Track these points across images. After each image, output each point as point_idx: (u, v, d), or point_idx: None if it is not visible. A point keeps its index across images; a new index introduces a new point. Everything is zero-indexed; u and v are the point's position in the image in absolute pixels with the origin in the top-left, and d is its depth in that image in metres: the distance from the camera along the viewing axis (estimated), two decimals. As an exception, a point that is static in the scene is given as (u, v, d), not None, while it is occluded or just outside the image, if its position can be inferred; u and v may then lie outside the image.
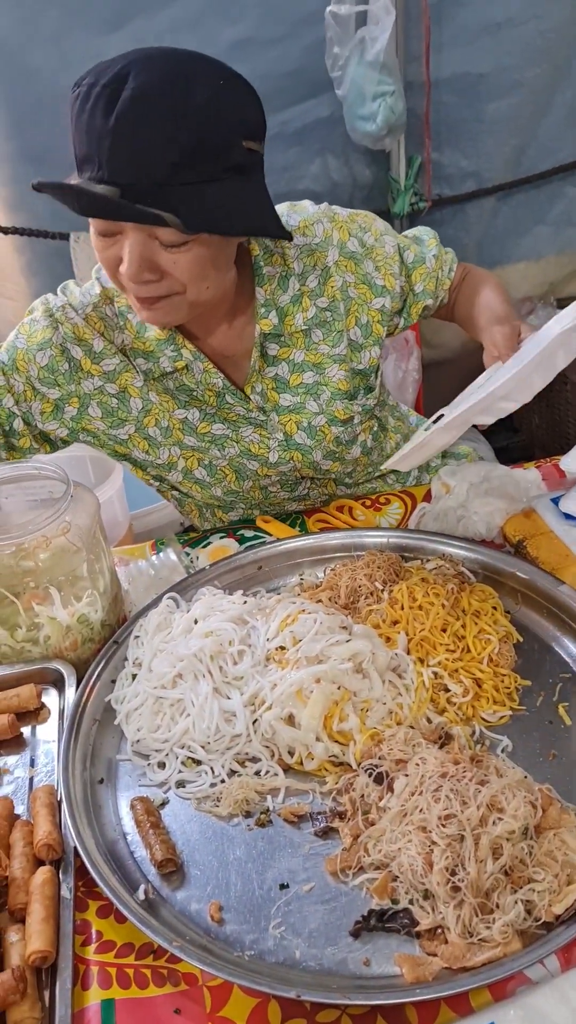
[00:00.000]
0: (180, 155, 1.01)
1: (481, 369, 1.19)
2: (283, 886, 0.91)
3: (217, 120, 1.03)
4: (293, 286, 1.31)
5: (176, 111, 1.00)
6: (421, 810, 0.89)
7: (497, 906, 0.83)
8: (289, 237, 1.16)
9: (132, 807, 0.99)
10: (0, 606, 1.11)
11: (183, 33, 1.99)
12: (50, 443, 1.40)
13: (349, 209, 1.37)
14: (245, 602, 1.18)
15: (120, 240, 1.10)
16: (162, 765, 1.04)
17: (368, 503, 1.49)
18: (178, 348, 1.31)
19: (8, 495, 1.26)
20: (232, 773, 1.02)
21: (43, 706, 1.12)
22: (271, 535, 1.42)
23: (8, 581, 1.09)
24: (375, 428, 1.51)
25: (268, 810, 0.98)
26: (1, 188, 2.13)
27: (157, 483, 1.49)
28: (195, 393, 1.36)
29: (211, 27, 2.00)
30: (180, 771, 1.03)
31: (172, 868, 0.93)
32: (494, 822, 0.87)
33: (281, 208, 1.32)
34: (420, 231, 1.46)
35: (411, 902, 0.87)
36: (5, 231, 2.13)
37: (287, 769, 1.03)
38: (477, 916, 0.82)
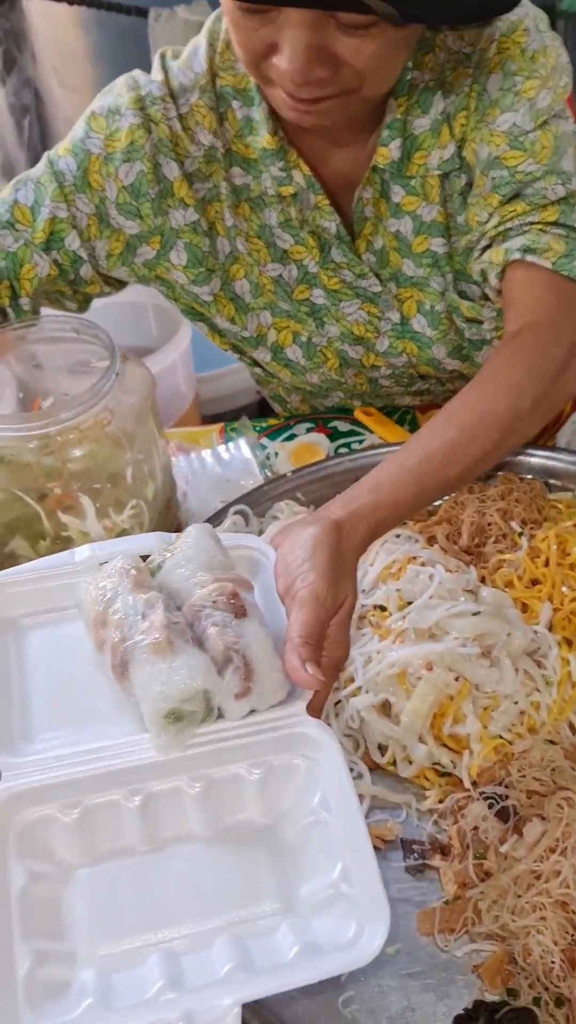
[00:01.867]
0: None
1: None
2: (359, 942, 0.68)
3: None
4: (438, 106, 0.92)
5: None
6: (566, 881, 0.64)
7: None
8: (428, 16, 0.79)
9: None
10: (17, 508, 0.85)
11: None
12: (119, 283, 1.07)
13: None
14: (335, 530, 0.90)
15: (276, 19, 0.76)
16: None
17: (499, 401, 1.16)
18: (288, 168, 0.96)
19: (46, 357, 0.97)
20: (302, 764, 0.78)
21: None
22: (372, 433, 1.12)
23: (27, 481, 0.82)
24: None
25: (346, 825, 0.75)
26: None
27: (237, 355, 1.16)
28: (298, 238, 1.01)
29: None
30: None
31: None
32: None
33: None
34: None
35: (536, 1003, 0.63)
36: (70, 1, 1.73)
37: (374, 769, 0.78)
38: None
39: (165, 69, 0.96)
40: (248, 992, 0.51)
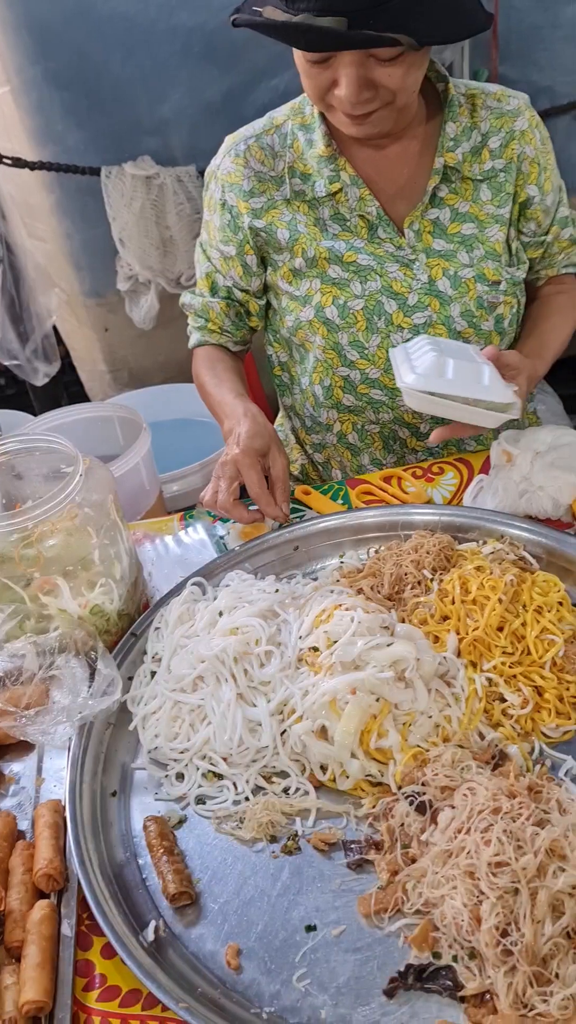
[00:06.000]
0: None
1: None
2: (310, 928, 0.81)
3: None
4: (475, 138, 1.34)
5: None
6: (469, 852, 0.77)
7: (556, 976, 0.71)
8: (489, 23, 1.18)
9: (145, 828, 0.89)
10: (5, 594, 1.01)
11: None
12: (260, 298, 1.46)
13: None
14: (277, 590, 1.06)
15: (333, 64, 1.14)
16: (180, 777, 0.94)
17: (419, 473, 1.34)
18: (337, 170, 1.32)
19: (24, 468, 1.15)
20: (257, 789, 0.92)
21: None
22: (311, 509, 1.29)
23: (11, 570, 0.98)
24: (514, 309, 1.41)
25: (296, 835, 0.88)
26: (26, 118, 1.96)
27: (278, 347, 1.48)
28: (348, 223, 1.36)
29: None
30: (200, 785, 0.93)
31: (187, 901, 0.83)
32: (555, 873, 0.75)
33: (482, 85, 1.37)
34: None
35: (455, 959, 0.75)
36: (32, 166, 1.98)
37: (319, 787, 0.92)
38: (532, 987, 0.71)
39: (225, 151, 1.39)
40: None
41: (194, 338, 1.52)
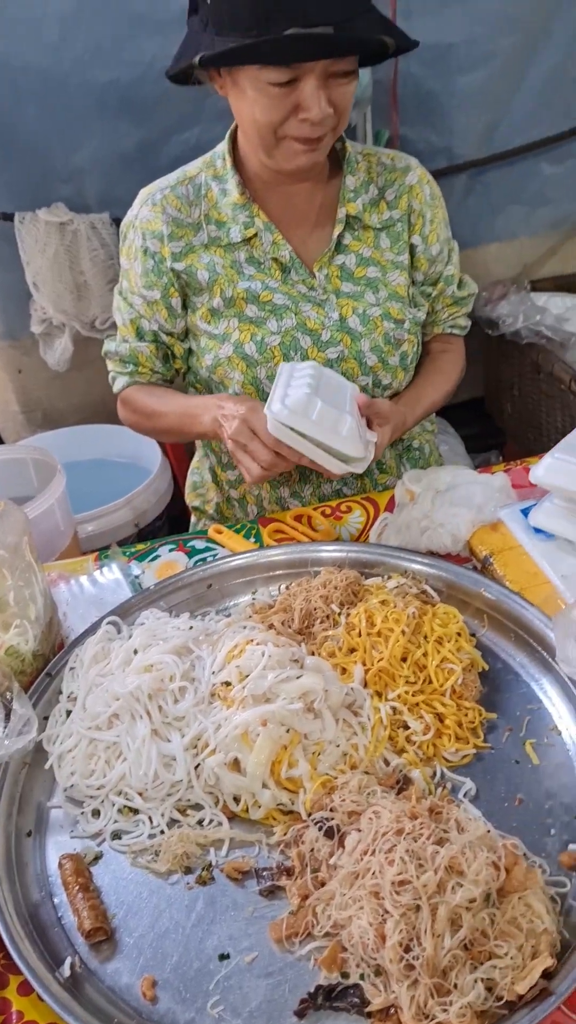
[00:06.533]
0: None
1: None
2: (223, 956, 0.83)
3: None
4: (372, 191, 1.46)
5: None
6: (374, 873, 0.81)
7: (455, 986, 0.75)
8: (416, 43, 1.26)
9: (60, 866, 0.90)
10: None
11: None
12: (184, 341, 1.51)
13: None
14: (191, 627, 1.09)
15: (297, 86, 1.20)
16: (96, 813, 0.96)
17: (328, 511, 1.40)
18: (252, 216, 1.40)
19: None
20: (173, 823, 0.94)
21: (-32, 746, 1.03)
22: (223, 548, 1.33)
23: None
24: (415, 347, 1.52)
25: (210, 865, 0.90)
26: None
27: (199, 387, 1.52)
28: (262, 266, 1.43)
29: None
30: (116, 820, 0.94)
31: (102, 937, 0.85)
32: (453, 888, 0.79)
33: (376, 148, 1.51)
34: (467, 282, 1.63)
35: (362, 977, 0.79)
36: (-55, 211, 1.99)
37: (232, 817, 0.94)
38: (433, 998, 0.75)
39: (139, 202, 1.46)
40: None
41: (120, 382, 1.55)
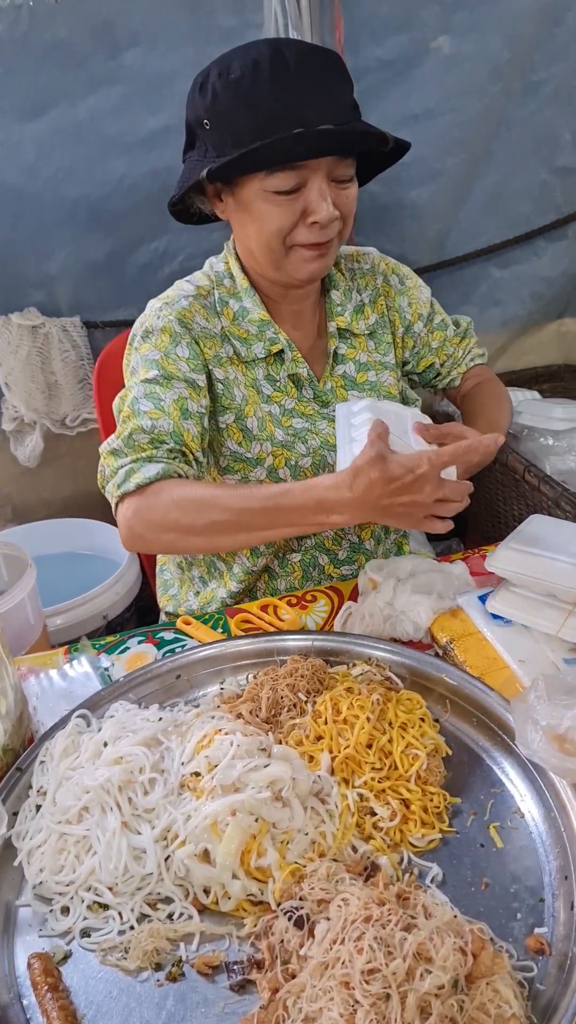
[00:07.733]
0: (352, 92, 1.30)
1: None
2: (194, 1056, 0.82)
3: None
4: (355, 299, 1.54)
5: (335, 61, 1.27)
6: (344, 962, 0.82)
7: (426, 1075, 0.76)
8: (408, 145, 1.36)
9: (29, 966, 0.89)
10: None
11: (106, 120, 1.98)
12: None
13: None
14: (160, 719, 1.11)
15: (302, 193, 1.26)
16: (66, 911, 0.95)
17: (294, 601, 1.44)
18: (276, 332, 1.43)
19: None
20: (143, 917, 0.94)
21: None
22: (192, 639, 1.35)
23: None
24: None
25: (180, 960, 0.90)
26: None
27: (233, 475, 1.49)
28: (278, 384, 1.46)
29: (133, 115, 1.99)
30: (85, 917, 0.94)
31: (71, 1039, 0.83)
32: (421, 975, 0.80)
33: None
34: (460, 318, 1.72)
35: (335, 1071, 0.79)
36: None
37: (202, 910, 0.95)
38: None
39: (164, 304, 1.43)
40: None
41: (148, 471, 1.25)
